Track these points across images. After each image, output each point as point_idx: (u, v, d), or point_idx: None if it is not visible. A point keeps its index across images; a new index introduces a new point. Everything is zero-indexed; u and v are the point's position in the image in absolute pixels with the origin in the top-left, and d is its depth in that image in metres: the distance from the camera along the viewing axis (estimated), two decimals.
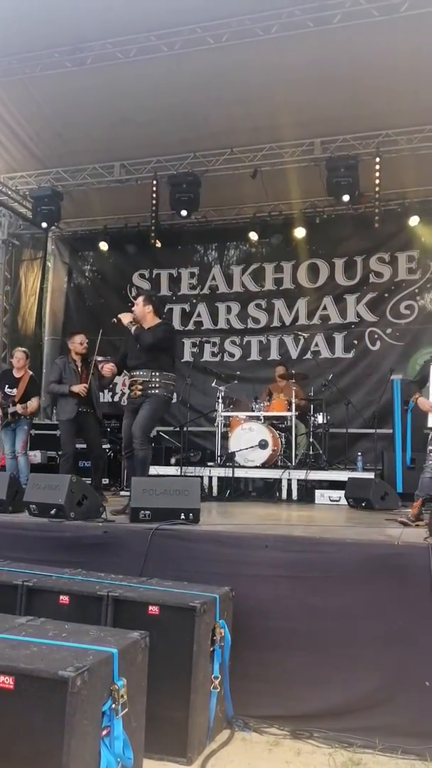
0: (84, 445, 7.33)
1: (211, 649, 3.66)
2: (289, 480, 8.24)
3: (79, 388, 6.66)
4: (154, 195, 9.55)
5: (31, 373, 7.94)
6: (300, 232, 10.35)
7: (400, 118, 8.29)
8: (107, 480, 8.52)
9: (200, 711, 3.50)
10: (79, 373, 6.80)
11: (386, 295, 10.33)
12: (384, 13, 6.78)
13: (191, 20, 7.16)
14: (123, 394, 11.35)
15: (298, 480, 8.23)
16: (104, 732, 2.55)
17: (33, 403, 7.75)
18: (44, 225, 10.01)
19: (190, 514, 4.99)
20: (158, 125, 8.64)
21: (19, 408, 7.58)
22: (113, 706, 2.58)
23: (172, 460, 9.48)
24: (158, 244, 10.38)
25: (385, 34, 6.99)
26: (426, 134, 8.50)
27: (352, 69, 7.53)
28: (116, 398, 11.34)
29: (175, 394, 6.55)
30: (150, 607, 3.54)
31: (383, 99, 7.91)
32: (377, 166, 8.54)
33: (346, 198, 8.70)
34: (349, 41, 7.16)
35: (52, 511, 5.09)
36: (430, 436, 5.55)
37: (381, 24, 6.87)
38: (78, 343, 6.92)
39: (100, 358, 6.90)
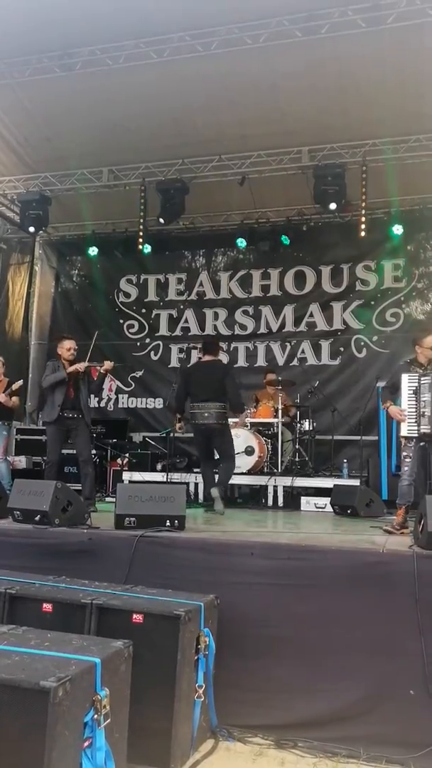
0: (70, 451, 7.29)
1: (196, 657, 3.65)
2: (275, 487, 8.23)
3: (75, 367, 6.67)
4: (143, 201, 9.55)
5: (8, 379, 7.89)
6: (287, 240, 10.39)
7: (387, 128, 8.33)
8: None
9: (184, 721, 3.49)
10: (68, 379, 6.76)
11: (372, 302, 10.37)
12: (371, 25, 6.81)
13: (180, 28, 7.17)
14: (109, 399, 11.36)
15: (284, 487, 8.23)
16: (86, 743, 2.53)
17: (16, 397, 7.74)
18: (32, 230, 9.97)
19: (176, 521, 4.98)
20: (147, 131, 8.64)
21: (1, 397, 7.53)
22: (95, 716, 2.57)
23: (159, 466, 9.46)
24: (146, 250, 10.38)
25: (372, 44, 7.02)
26: (411, 144, 8.54)
27: (340, 78, 7.56)
28: (102, 404, 11.29)
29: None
30: (134, 616, 3.53)
31: (370, 108, 7.94)
32: (364, 175, 8.57)
33: (332, 206, 8.73)
34: (337, 51, 7.19)
35: (37, 518, 5.07)
36: (403, 443, 5.59)
37: (368, 35, 6.90)
38: (66, 348, 6.87)
39: (86, 364, 6.88)
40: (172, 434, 8.94)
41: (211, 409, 7.05)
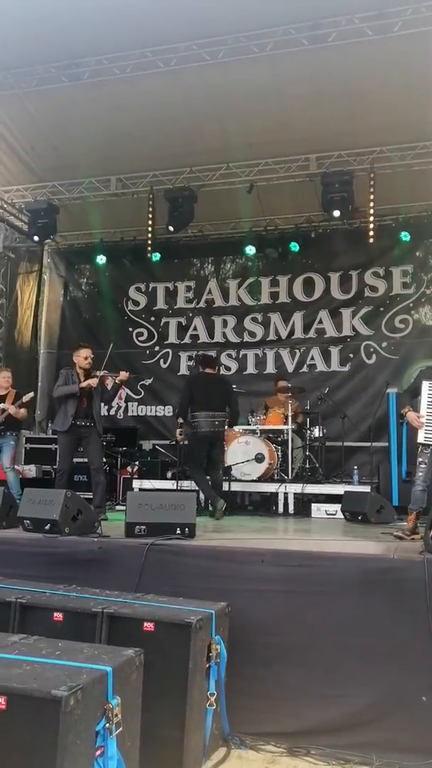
0: (80, 459, 7.29)
1: (207, 665, 3.64)
2: (286, 493, 8.22)
3: (88, 383, 6.67)
4: (151, 209, 9.59)
5: (15, 390, 7.92)
6: (295, 247, 10.41)
7: (394, 135, 8.36)
8: None
9: (196, 729, 3.48)
10: (79, 393, 6.76)
11: (381, 309, 10.38)
12: (378, 33, 6.85)
13: (187, 37, 7.23)
14: (119, 407, 11.37)
15: (294, 493, 8.21)
16: (98, 752, 2.53)
17: (24, 407, 7.75)
18: (36, 239, 10.05)
19: (186, 529, 4.97)
20: (154, 140, 8.69)
21: (11, 409, 7.54)
22: (107, 725, 2.56)
23: (169, 474, 9.46)
24: (155, 258, 10.42)
25: (379, 52, 7.06)
26: (419, 151, 8.55)
27: (347, 86, 7.59)
28: (112, 412, 11.31)
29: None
30: (145, 624, 3.52)
31: (377, 116, 7.97)
32: (371, 182, 8.59)
33: (336, 213, 8.74)
34: (344, 59, 7.22)
35: (47, 527, 5.07)
36: (419, 449, 5.56)
37: (374, 42, 6.94)
38: (83, 357, 6.87)
39: (101, 373, 6.89)
40: (181, 442, 8.95)
41: (219, 418, 7.47)
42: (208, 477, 7.55)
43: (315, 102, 7.82)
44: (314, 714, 4.00)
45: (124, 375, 6.98)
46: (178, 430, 7.66)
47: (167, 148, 8.88)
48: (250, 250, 10.56)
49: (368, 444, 8.77)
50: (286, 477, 8.59)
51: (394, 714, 3.88)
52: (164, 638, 3.46)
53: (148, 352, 11.45)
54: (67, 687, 2.38)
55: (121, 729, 2.63)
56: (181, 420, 7.58)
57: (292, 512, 8.10)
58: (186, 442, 8.15)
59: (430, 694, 3.81)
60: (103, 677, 2.61)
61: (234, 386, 9.83)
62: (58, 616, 3.66)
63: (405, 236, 9.87)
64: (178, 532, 4.93)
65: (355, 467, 8.99)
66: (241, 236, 10.78)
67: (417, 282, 10.25)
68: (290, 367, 10.75)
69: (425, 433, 5.46)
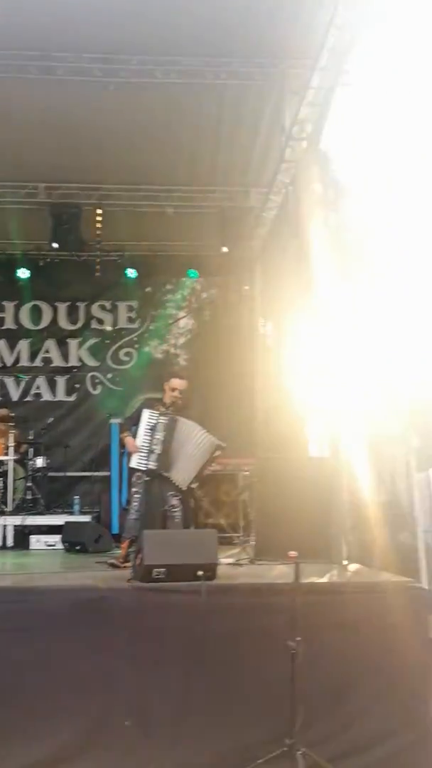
0: None
1: None
2: (5, 526, 7.94)
3: None
4: None
5: None
6: (24, 273, 10.25)
7: (120, 175, 8.67)
8: None
9: None
10: None
11: (107, 341, 10.65)
12: (107, 75, 7.05)
13: None
14: None
15: (14, 526, 7.97)
16: None
17: None
18: None
19: None
20: None
21: None
22: None
23: None
24: None
25: (109, 94, 7.22)
26: (143, 193, 8.99)
27: (76, 120, 7.61)
28: None
29: None
30: None
31: (105, 154, 8.19)
32: (98, 218, 8.83)
33: (55, 245, 8.92)
34: (75, 94, 7.27)
35: None
36: (133, 478, 5.81)
37: (104, 84, 7.11)
38: None
39: None
40: None
41: None
42: None
43: (45, 131, 7.76)
44: (22, 753, 3.87)
45: None
46: None
47: None
48: None
49: (91, 473, 8.88)
50: (6, 509, 8.31)
51: (99, 742, 3.92)
52: None
53: None
54: None
55: None
56: None
57: (11, 545, 7.86)
58: None
59: (133, 718, 3.93)
60: None
61: None
62: None
63: (131, 273, 10.28)
64: None
65: (76, 497, 8.98)
66: None
67: (142, 317, 10.71)
68: (15, 396, 10.46)
69: (139, 458, 5.73)
